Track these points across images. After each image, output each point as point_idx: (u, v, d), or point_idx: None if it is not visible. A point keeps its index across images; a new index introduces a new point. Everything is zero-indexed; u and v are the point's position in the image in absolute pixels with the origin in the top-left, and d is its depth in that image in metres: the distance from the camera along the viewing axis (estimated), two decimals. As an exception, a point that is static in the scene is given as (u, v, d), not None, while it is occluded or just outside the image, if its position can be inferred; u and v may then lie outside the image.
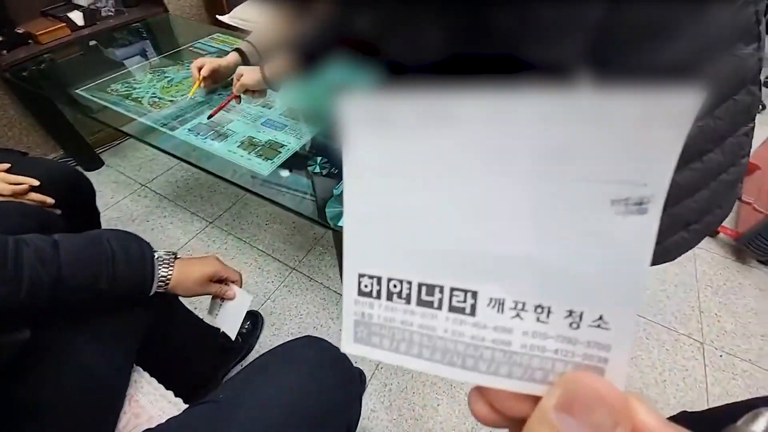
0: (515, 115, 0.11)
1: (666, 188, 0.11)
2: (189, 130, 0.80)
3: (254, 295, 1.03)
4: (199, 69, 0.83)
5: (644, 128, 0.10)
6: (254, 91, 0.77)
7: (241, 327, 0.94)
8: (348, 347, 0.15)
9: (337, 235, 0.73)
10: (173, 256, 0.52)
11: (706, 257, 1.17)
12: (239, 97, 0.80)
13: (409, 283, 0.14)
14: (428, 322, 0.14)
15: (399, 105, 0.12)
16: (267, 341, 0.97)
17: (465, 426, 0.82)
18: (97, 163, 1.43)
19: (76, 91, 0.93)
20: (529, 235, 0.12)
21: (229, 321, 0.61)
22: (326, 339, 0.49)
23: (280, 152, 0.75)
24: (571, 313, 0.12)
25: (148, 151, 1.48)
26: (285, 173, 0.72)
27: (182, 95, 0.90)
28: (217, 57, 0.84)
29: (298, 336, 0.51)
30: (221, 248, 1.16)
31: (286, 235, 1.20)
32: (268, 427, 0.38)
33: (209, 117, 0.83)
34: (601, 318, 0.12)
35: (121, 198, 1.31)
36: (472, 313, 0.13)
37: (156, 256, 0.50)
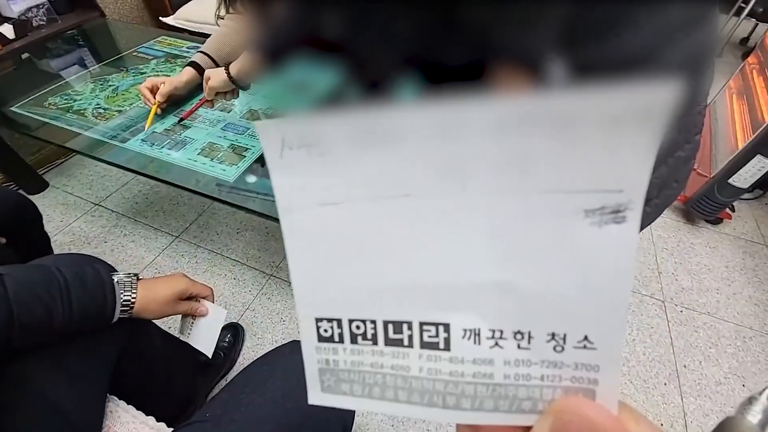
0: (467, 125, 0.10)
1: (644, 193, 0.10)
2: (142, 140, 0.74)
3: (232, 306, 1.00)
4: (152, 91, 0.78)
5: (616, 129, 0.09)
6: (225, 93, 0.74)
7: (221, 341, 0.90)
8: (315, 398, 0.14)
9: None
10: (135, 278, 0.49)
11: (660, 222, 1.25)
12: (212, 101, 0.76)
13: (373, 322, 0.13)
14: (400, 362, 0.13)
15: (331, 125, 0.11)
16: (250, 353, 0.94)
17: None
18: (41, 185, 1.31)
19: (11, 108, 0.85)
20: (497, 258, 0.11)
21: (203, 339, 0.59)
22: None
23: (244, 156, 0.72)
24: (553, 336, 0.11)
25: (97, 167, 1.38)
26: (252, 178, 0.69)
27: (131, 104, 0.84)
28: (166, 60, 0.79)
29: (283, 343, 0.49)
30: (191, 262, 1.11)
31: (260, 242, 1.16)
32: (261, 441, 0.37)
33: (179, 121, 0.78)
34: (586, 338, 0.11)
35: (72, 220, 1.22)
36: (447, 347, 0.12)
37: (116, 280, 0.46)
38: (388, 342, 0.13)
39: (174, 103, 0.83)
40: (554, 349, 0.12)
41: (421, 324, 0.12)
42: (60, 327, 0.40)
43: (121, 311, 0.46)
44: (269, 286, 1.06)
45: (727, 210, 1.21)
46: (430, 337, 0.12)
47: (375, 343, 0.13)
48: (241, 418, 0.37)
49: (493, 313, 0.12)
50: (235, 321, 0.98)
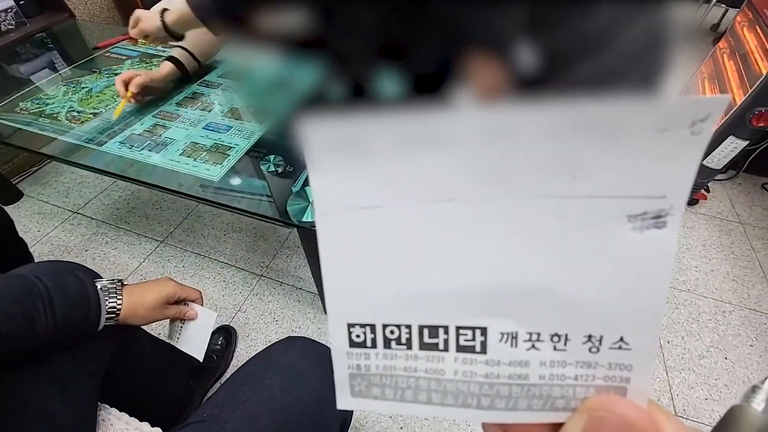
0: (518, 131, 0.10)
1: (686, 199, 0.10)
2: (121, 143, 0.72)
3: (223, 309, 0.99)
4: (126, 83, 0.75)
5: (661, 138, 0.10)
6: (155, 38, 0.72)
7: (214, 344, 0.89)
8: (345, 403, 0.14)
9: (304, 232, 0.71)
10: (120, 284, 0.48)
11: (642, 205, 1.29)
12: (136, 40, 0.74)
13: (408, 327, 0.13)
14: (435, 366, 0.13)
15: (373, 128, 0.10)
16: (243, 354, 0.93)
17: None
18: (15, 195, 1.26)
19: (-22, 115, 0.81)
20: (539, 262, 0.11)
21: (194, 342, 0.58)
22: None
23: (228, 155, 0.70)
24: (590, 338, 0.12)
25: (74, 174, 1.33)
26: (236, 178, 0.68)
27: (106, 106, 0.81)
28: (141, 60, 0.77)
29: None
30: (178, 266, 1.09)
31: (249, 243, 1.15)
32: (261, 438, 0.36)
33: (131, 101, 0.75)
34: (621, 339, 0.12)
35: (50, 230, 1.18)
36: (483, 350, 0.12)
37: (99, 287, 0.45)
38: (423, 346, 0.13)
39: (153, 103, 0.81)
40: (590, 350, 0.12)
41: (458, 328, 0.12)
42: (44, 336, 0.39)
43: (107, 318, 0.45)
44: (260, 287, 1.04)
45: (703, 191, 1.26)
46: (466, 340, 0.12)
47: (409, 347, 0.13)
48: (239, 416, 0.37)
49: (531, 317, 0.12)
50: (226, 323, 0.97)
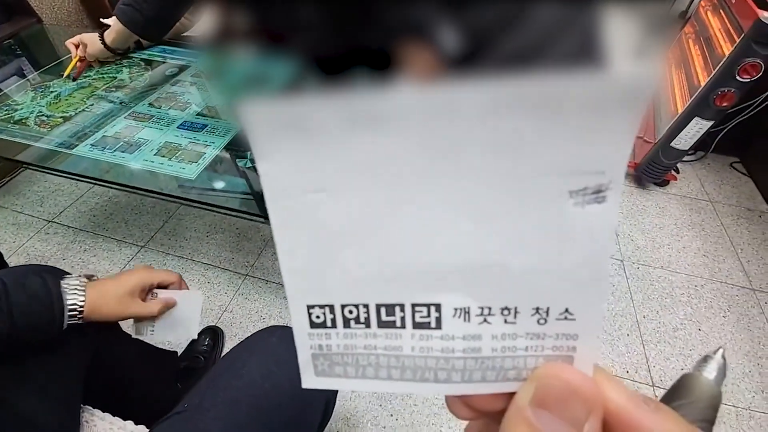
0: (462, 107, 0.10)
1: (623, 174, 0.10)
2: (92, 145, 0.71)
3: (209, 310, 0.98)
4: (77, 46, 0.82)
5: (597, 113, 0.10)
6: (104, 59, 0.85)
7: (200, 345, 0.89)
8: (309, 382, 0.14)
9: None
10: (85, 280, 0.45)
11: (617, 188, 1.33)
12: (95, 61, 0.85)
13: (366, 306, 0.13)
14: (393, 343, 0.13)
15: (318, 108, 0.10)
16: (232, 353, 0.93)
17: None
18: (-15, 207, 1.22)
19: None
20: (487, 240, 0.12)
21: (180, 329, 0.54)
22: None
23: (204, 153, 0.70)
24: (537, 310, 0.12)
25: (47, 182, 1.30)
26: (214, 176, 0.68)
27: (75, 108, 0.80)
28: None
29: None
30: (161, 271, 1.07)
31: (232, 243, 1.14)
32: (241, 426, 0.37)
33: (73, 79, 0.84)
34: (566, 310, 0.12)
35: (25, 240, 1.15)
36: (438, 326, 0.13)
37: (63, 285, 0.43)
38: (381, 324, 0.13)
39: (114, 84, 0.84)
40: (538, 322, 0.12)
41: (414, 306, 0.13)
42: (2, 335, 0.37)
43: (70, 317, 0.43)
44: (245, 286, 1.04)
45: (673, 172, 1.31)
46: (422, 317, 0.13)
47: (368, 326, 0.13)
48: (220, 402, 0.37)
49: (482, 291, 0.12)
50: (213, 324, 0.96)
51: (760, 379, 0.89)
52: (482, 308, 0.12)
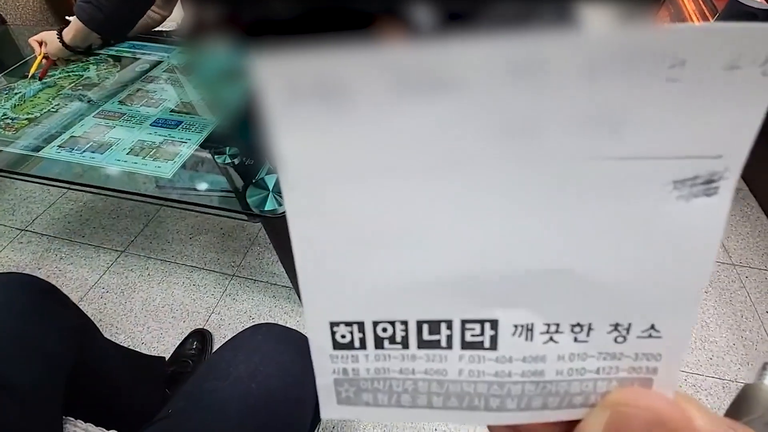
0: (550, 66, 0.08)
1: (743, 161, 0.08)
2: (59, 147, 0.68)
3: (195, 313, 0.96)
4: (40, 44, 0.81)
5: (729, 78, 0.08)
6: (65, 58, 0.85)
7: (188, 349, 0.86)
8: (331, 412, 0.12)
9: (268, 222, 0.70)
10: None
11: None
12: (60, 60, 0.85)
13: (404, 323, 0.11)
14: (436, 366, 0.11)
15: (357, 67, 0.08)
16: (221, 356, 0.91)
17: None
18: (-49, 218, 1.16)
19: None
20: (560, 242, 0.09)
21: None
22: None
23: (180, 151, 0.68)
24: (616, 326, 0.10)
25: (17, 189, 1.24)
26: (192, 174, 0.66)
27: (41, 110, 0.76)
28: (77, 60, 0.73)
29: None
30: (143, 275, 1.04)
31: (217, 244, 1.11)
32: (229, 428, 0.36)
33: (39, 79, 0.82)
34: (652, 327, 0.10)
35: (-3, 251, 1.10)
36: (494, 346, 0.11)
37: None
38: (422, 345, 0.11)
39: (80, 82, 0.82)
40: (615, 340, 0.10)
41: (464, 322, 0.11)
42: None
43: None
44: (233, 287, 1.02)
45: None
46: (473, 336, 0.11)
47: (406, 347, 0.11)
48: (206, 406, 0.36)
49: (549, 305, 0.10)
50: (200, 327, 0.94)
51: (744, 352, 0.92)
52: (548, 325, 0.10)
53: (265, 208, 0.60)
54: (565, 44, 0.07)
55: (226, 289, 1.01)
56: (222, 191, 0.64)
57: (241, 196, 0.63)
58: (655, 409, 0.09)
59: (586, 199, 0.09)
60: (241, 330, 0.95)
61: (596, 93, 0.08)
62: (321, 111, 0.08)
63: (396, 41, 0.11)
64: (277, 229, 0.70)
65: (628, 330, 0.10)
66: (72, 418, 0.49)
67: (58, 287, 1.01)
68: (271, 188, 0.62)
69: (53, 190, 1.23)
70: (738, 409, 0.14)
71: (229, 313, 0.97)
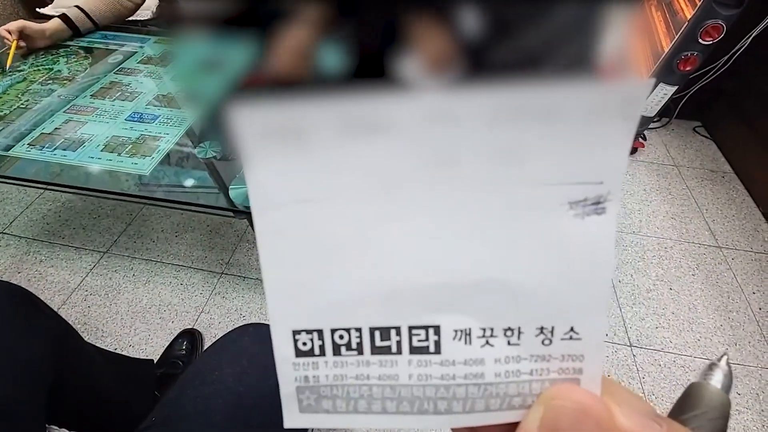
0: (460, 115, 0.10)
1: (621, 185, 0.10)
2: (29, 145, 0.64)
3: (184, 313, 0.94)
4: (10, 32, 0.79)
5: (595, 122, 0.10)
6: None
7: (178, 350, 0.85)
8: (293, 421, 0.13)
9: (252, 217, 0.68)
10: None
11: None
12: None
13: (359, 330, 0.12)
14: (388, 371, 0.12)
15: (312, 114, 0.10)
16: (212, 355, 0.89)
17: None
18: None
19: None
20: (487, 255, 0.11)
21: None
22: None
23: (158, 146, 0.65)
24: (542, 329, 0.12)
25: (-8, 191, 1.19)
26: (172, 171, 0.63)
27: (10, 107, 0.72)
28: (46, 54, 0.69)
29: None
30: (127, 276, 1.01)
31: (204, 241, 1.09)
32: None
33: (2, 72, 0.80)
34: (572, 329, 0.12)
35: (-27, 255, 1.05)
36: (437, 350, 0.12)
37: None
38: (375, 350, 0.12)
39: (31, 46, 0.81)
40: (543, 342, 0.12)
41: (410, 328, 0.12)
42: None
43: None
44: (222, 285, 1.00)
45: (640, 140, 1.34)
46: (419, 341, 0.12)
47: (360, 352, 0.12)
48: (191, 413, 0.35)
49: (483, 311, 0.12)
50: (190, 327, 0.92)
51: (732, 332, 0.94)
52: (484, 329, 0.12)
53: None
54: (470, 99, 0.09)
55: (215, 288, 0.99)
56: (205, 187, 0.62)
57: (225, 191, 0.61)
58: (582, 402, 0.11)
59: (504, 217, 0.11)
60: (230, 329, 0.93)
61: (499, 135, 0.10)
62: (283, 148, 0.10)
63: (434, 56, 0.12)
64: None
65: (552, 333, 0.12)
66: (56, 427, 0.47)
67: (40, 291, 0.99)
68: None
69: (30, 190, 1.18)
70: (682, 405, 0.15)
71: (219, 311, 0.95)
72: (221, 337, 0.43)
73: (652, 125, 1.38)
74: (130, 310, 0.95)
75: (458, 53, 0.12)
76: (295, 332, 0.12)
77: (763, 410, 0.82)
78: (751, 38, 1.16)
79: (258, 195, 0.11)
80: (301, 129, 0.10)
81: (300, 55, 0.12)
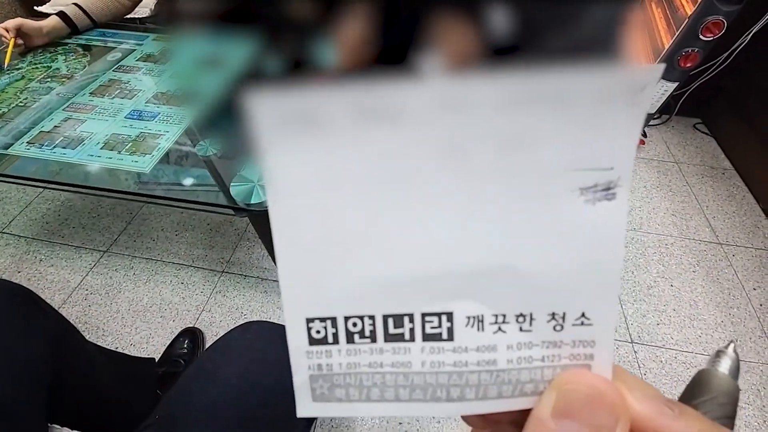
0: (471, 102, 0.10)
1: (631, 170, 0.10)
2: (28, 143, 0.64)
3: (185, 312, 0.93)
4: (8, 30, 0.78)
5: (607, 107, 0.10)
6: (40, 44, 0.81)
7: (179, 348, 0.84)
8: (306, 410, 0.13)
9: (254, 215, 0.68)
10: None
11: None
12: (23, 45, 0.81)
13: (372, 317, 0.12)
14: (401, 358, 0.12)
15: (328, 101, 0.10)
16: (213, 354, 0.89)
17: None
18: None
19: None
20: (499, 241, 0.11)
21: None
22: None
23: (158, 144, 0.65)
24: (554, 315, 0.12)
25: (-9, 190, 1.19)
26: (172, 168, 0.63)
27: (9, 105, 0.71)
28: (44, 52, 0.69)
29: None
30: (128, 275, 1.01)
31: (204, 240, 1.08)
32: (221, 431, 0.34)
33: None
34: (583, 315, 0.12)
35: (-28, 255, 1.05)
36: (450, 337, 0.12)
37: None
38: (388, 338, 0.12)
39: (29, 44, 0.80)
40: (554, 328, 0.12)
41: (423, 315, 0.12)
42: None
43: None
44: (222, 284, 1.00)
45: (641, 136, 1.34)
46: (432, 328, 0.12)
47: (374, 340, 0.12)
48: (195, 410, 0.35)
49: (496, 297, 0.12)
50: (191, 326, 0.92)
51: (732, 328, 0.94)
52: (496, 316, 0.12)
53: (251, 201, 0.58)
54: (482, 86, 0.09)
55: (215, 286, 0.99)
56: (206, 185, 0.62)
57: (225, 189, 0.61)
58: (595, 386, 0.11)
59: (515, 203, 0.11)
60: (232, 327, 0.93)
61: (510, 121, 0.10)
62: (299, 136, 0.10)
63: (459, 56, 0.12)
64: (265, 223, 0.68)
65: (563, 318, 0.12)
66: (58, 426, 0.47)
67: (40, 291, 0.98)
68: (255, 180, 0.60)
69: (29, 189, 1.18)
70: (692, 391, 0.15)
71: (220, 310, 0.95)
72: (223, 336, 0.43)
73: (652, 122, 1.38)
74: (131, 309, 0.95)
75: (482, 52, 0.12)
76: (309, 320, 0.12)
77: (764, 406, 0.83)
78: (751, 35, 1.16)
79: (274, 183, 0.11)
80: (317, 116, 0.10)
81: (360, 47, 0.11)
